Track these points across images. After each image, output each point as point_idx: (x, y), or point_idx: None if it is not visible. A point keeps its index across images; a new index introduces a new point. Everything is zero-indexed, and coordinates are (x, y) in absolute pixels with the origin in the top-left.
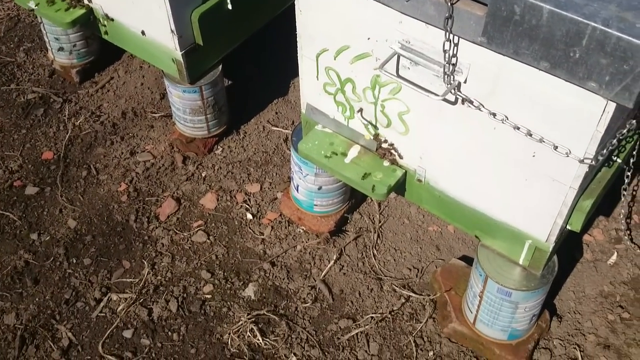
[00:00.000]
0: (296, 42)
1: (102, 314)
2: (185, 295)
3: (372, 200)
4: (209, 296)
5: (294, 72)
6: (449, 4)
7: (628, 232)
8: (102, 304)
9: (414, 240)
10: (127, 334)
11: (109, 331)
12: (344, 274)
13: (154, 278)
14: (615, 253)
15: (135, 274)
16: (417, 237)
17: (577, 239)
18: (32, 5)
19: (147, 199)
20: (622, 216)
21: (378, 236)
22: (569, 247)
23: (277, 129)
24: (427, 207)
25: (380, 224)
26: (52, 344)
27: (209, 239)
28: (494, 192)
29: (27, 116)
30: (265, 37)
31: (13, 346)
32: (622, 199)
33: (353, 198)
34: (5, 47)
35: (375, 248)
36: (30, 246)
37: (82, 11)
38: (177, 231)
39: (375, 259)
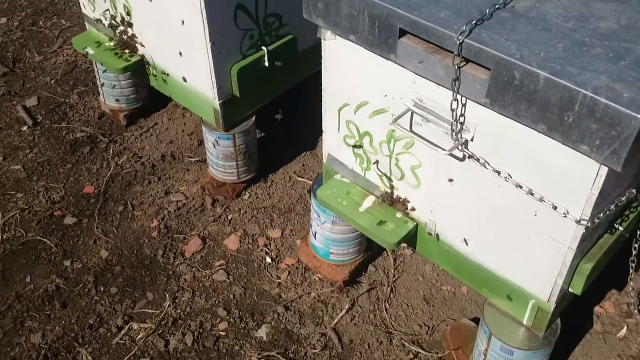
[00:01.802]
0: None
1: (122, 341)
2: (201, 330)
3: (387, 254)
4: (223, 333)
5: (322, 129)
6: (456, 67)
7: (638, 306)
8: (123, 332)
9: (427, 297)
10: None
11: (126, 358)
12: (355, 324)
13: (174, 311)
14: (625, 326)
15: (157, 306)
16: (430, 295)
17: (588, 310)
18: (89, 50)
19: (175, 236)
20: (632, 290)
21: (391, 290)
22: (579, 317)
23: (302, 179)
24: (436, 261)
25: (394, 279)
26: None
27: (228, 278)
28: (499, 249)
29: (74, 152)
30: (298, 93)
31: None
32: (631, 272)
33: (369, 250)
34: (61, 89)
35: (388, 302)
36: (62, 272)
37: (134, 59)
38: (200, 268)
39: (386, 313)
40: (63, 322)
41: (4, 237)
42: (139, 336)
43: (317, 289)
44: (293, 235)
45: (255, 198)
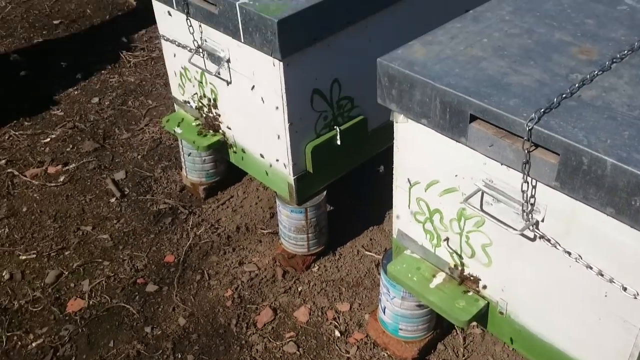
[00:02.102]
0: (391, 176)
1: None
2: None
3: (457, 332)
4: None
5: (390, 204)
6: (526, 151)
7: None
8: None
9: None
10: None
11: None
12: None
13: None
14: None
15: None
16: None
17: None
18: (177, 130)
19: (248, 306)
20: None
21: None
22: None
23: (370, 254)
24: (507, 340)
25: (464, 358)
26: None
27: (298, 350)
28: (570, 329)
29: (157, 223)
30: (367, 169)
31: None
32: None
33: (438, 327)
34: (147, 164)
35: None
36: (143, 338)
37: (217, 138)
38: (271, 339)
39: None
40: None
41: (90, 302)
42: None
43: None
44: (362, 310)
45: (324, 271)
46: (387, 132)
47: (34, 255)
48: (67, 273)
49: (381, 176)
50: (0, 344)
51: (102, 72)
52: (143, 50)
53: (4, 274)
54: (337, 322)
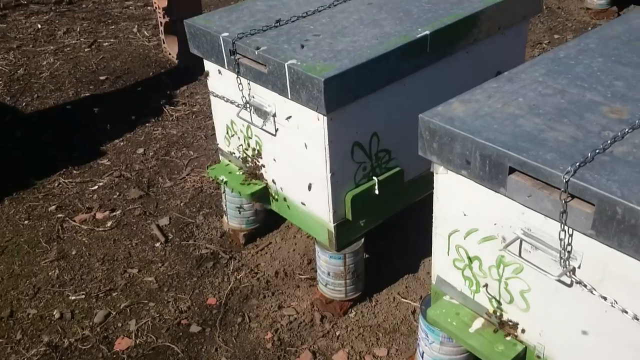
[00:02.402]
0: (426, 224)
1: None
2: None
3: None
4: None
5: (424, 252)
6: (563, 201)
7: None
8: None
9: None
10: None
11: None
12: None
13: None
14: None
15: None
16: None
17: None
18: (223, 178)
19: (287, 348)
20: None
21: None
22: None
23: (406, 301)
24: None
25: None
26: None
27: None
28: None
29: (199, 267)
30: (403, 218)
31: None
32: None
33: None
34: (189, 211)
35: None
36: None
37: (260, 186)
38: None
39: None
40: None
41: (137, 342)
42: None
43: None
44: (399, 355)
45: (361, 316)
46: (422, 183)
47: (83, 296)
48: (114, 313)
49: (417, 226)
50: None
51: (147, 124)
52: (184, 105)
53: (54, 313)
54: None
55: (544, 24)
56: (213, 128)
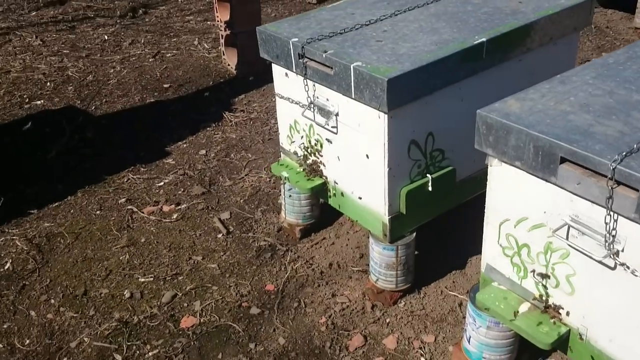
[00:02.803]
0: (475, 224)
1: None
2: None
3: None
4: None
5: (472, 251)
6: (610, 188)
7: None
8: None
9: None
10: None
11: None
12: None
13: None
14: None
15: None
16: None
17: None
18: (284, 174)
19: (340, 332)
20: None
21: None
22: None
23: (453, 294)
24: None
25: None
26: None
27: None
28: None
29: (258, 257)
30: (452, 217)
31: None
32: None
33: (520, 359)
34: (248, 207)
35: None
36: (247, 353)
37: (319, 182)
38: None
39: None
40: None
41: (201, 320)
42: None
43: None
44: (445, 342)
45: (410, 307)
46: (473, 183)
47: (152, 279)
48: (180, 294)
49: (466, 225)
50: (121, 352)
51: (207, 129)
52: (243, 112)
53: (124, 293)
54: (422, 351)
55: (592, 42)
56: (270, 133)
